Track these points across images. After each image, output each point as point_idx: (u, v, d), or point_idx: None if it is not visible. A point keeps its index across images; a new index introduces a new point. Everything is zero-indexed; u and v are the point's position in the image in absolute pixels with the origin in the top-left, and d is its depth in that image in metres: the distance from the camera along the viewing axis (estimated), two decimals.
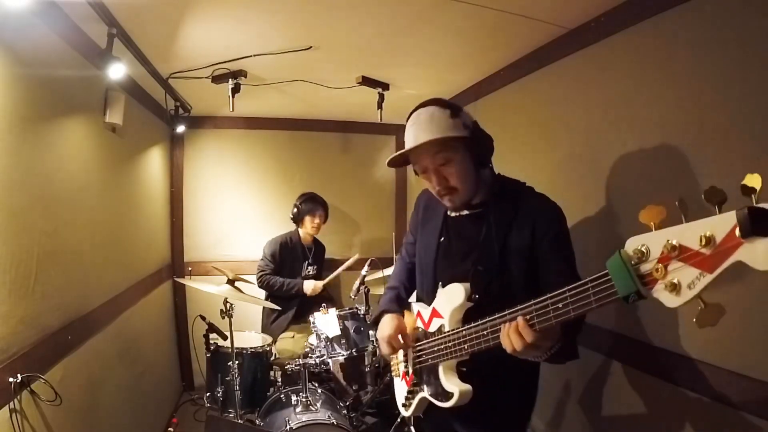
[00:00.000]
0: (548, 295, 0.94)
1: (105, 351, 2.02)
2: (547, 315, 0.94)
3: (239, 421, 2.26)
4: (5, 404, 1.26)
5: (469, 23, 1.84)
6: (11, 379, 1.27)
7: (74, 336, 1.69)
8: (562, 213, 1.28)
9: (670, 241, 0.72)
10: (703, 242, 0.67)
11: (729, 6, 1.30)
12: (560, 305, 0.90)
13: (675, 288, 0.71)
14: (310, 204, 3.17)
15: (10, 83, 1.35)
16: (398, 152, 1.30)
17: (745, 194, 0.64)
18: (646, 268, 0.75)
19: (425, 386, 1.35)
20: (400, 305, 1.52)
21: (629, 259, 0.77)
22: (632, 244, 0.77)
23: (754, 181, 0.64)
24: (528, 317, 0.98)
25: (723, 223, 0.66)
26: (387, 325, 1.44)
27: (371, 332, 2.57)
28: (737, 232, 0.63)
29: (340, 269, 3.14)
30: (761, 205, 0.63)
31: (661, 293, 0.74)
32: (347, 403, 2.43)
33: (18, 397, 1.30)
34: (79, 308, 1.78)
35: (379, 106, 2.69)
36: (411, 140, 1.27)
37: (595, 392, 1.82)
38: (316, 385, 2.40)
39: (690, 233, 0.69)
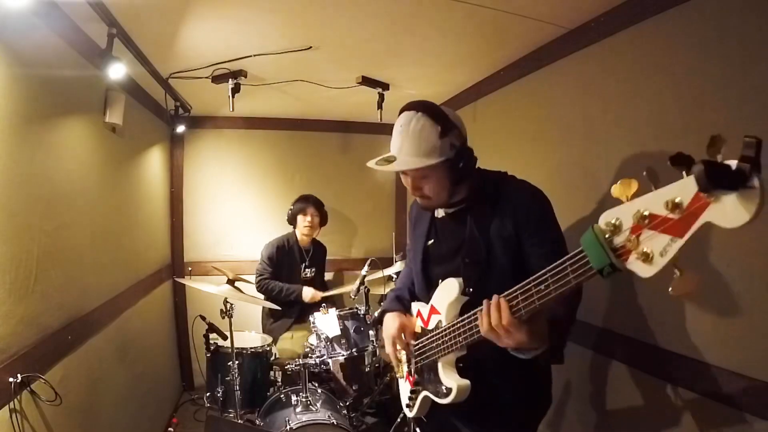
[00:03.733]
0: (530, 279, 0.94)
1: (105, 351, 2.02)
2: (531, 298, 0.94)
3: (239, 421, 2.26)
4: (5, 404, 1.26)
5: (469, 23, 1.84)
6: (11, 379, 1.27)
7: (74, 336, 1.69)
8: (543, 195, 1.28)
9: (640, 211, 0.71)
10: (671, 207, 0.67)
11: (729, 6, 1.30)
12: (542, 287, 0.91)
13: (648, 257, 0.71)
14: (301, 203, 3.15)
15: (10, 83, 1.35)
16: (381, 167, 1.29)
17: (711, 154, 0.63)
18: (619, 240, 0.75)
19: (426, 384, 1.36)
20: (403, 304, 1.53)
21: (602, 232, 0.77)
22: (605, 218, 0.77)
23: (719, 141, 0.63)
24: (513, 303, 0.99)
25: (687, 186, 0.65)
26: (390, 324, 1.45)
27: (371, 332, 2.57)
28: (699, 191, 0.63)
29: (343, 288, 3.13)
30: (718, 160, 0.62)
31: (634, 264, 0.73)
32: (347, 403, 2.43)
33: (18, 397, 1.30)
34: (79, 308, 1.78)
35: (379, 106, 2.70)
36: (396, 148, 1.27)
37: (595, 392, 1.82)
38: (316, 385, 2.40)
39: (658, 200, 0.69)
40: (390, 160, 1.28)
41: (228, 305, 2.28)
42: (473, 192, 1.32)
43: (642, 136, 1.58)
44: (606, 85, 1.75)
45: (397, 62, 2.34)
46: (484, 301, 1.05)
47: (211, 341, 2.44)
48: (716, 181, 0.61)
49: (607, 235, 0.76)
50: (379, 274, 2.83)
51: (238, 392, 2.30)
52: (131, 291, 2.44)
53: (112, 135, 2.19)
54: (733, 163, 0.61)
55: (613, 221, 0.76)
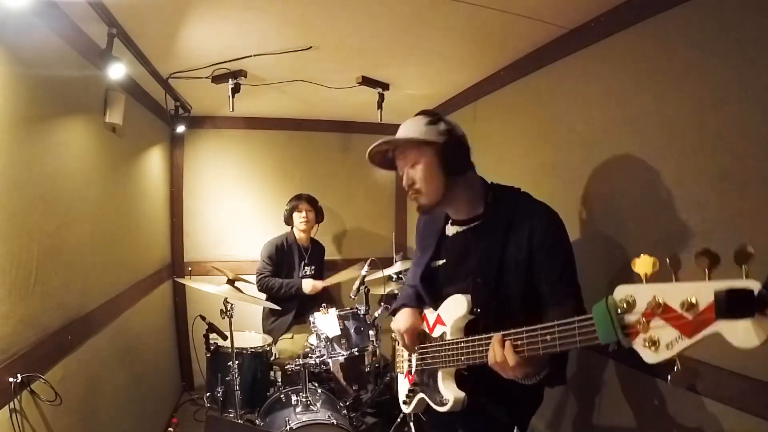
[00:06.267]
0: (540, 325, 0.96)
1: (105, 351, 2.02)
2: (536, 345, 0.96)
3: (239, 421, 2.26)
4: (5, 404, 1.26)
5: (469, 23, 1.84)
6: (11, 379, 1.27)
7: (74, 336, 1.69)
8: (559, 220, 1.28)
9: (656, 298, 0.72)
10: (686, 306, 0.68)
11: (729, 6, 1.30)
12: (548, 337, 0.93)
13: (654, 344, 0.73)
14: (294, 201, 3.18)
15: (10, 83, 1.35)
16: (372, 146, 1.37)
17: (738, 262, 0.64)
18: (630, 319, 0.77)
19: (424, 388, 1.37)
20: (420, 302, 1.53)
21: (615, 307, 0.78)
22: (620, 293, 0.79)
23: (748, 252, 0.64)
24: (518, 343, 1.01)
25: (706, 293, 0.66)
26: (403, 319, 1.46)
27: (371, 332, 2.57)
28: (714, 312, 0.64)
29: (342, 275, 3.11)
30: (741, 285, 0.62)
31: (640, 347, 0.75)
32: (347, 403, 2.43)
33: (18, 397, 1.30)
34: (79, 308, 1.78)
35: (379, 106, 2.69)
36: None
37: (595, 392, 1.82)
38: (316, 385, 2.40)
39: (676, 294, 0.70)
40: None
41: (228, 305, 2.28)
42: (487, 208, 1.32)
43: (642, 136, 1.58)
44: (606, 85, 1.75)
45: (397, 62, 2.34)
46: (493, 337, 1.07)
47: (211, 341, 2.44)
48: (734, 311, 0.61)
49: (619, 311, 0.78)
50: (379, 274, 2.83)
51: (238, 392, 2.30)
52: (131, 291, 2.44)
53: (112, 135, 2.19)
54: (756, 287, 0.61)
55: (627, 298, 0.77)
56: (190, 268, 3.16)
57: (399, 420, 2.62)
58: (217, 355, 2.45)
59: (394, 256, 3.26)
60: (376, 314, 2.69)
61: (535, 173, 2.13)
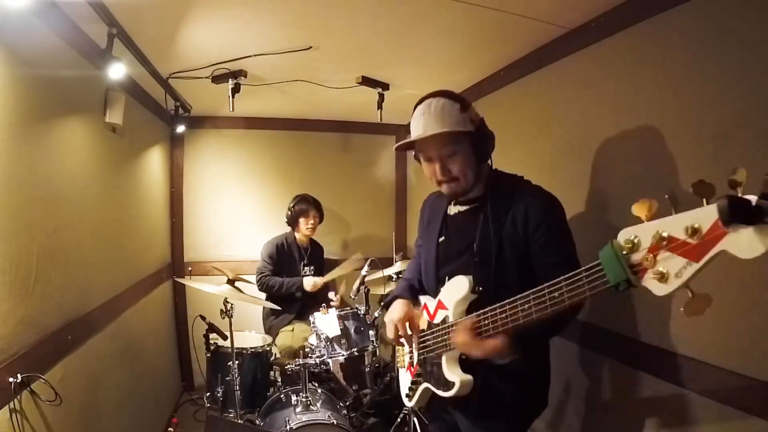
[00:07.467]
0: (545, 284, 0.97)
1: (105, 351, 2.02)
2: (544, 303, 0.97)
3: (239, 421, 2.26)
4: (5, 404, 1.26)
5: (469, 23, 1.84)
6: (11, 379, 1.27)
7: (74, 336, 1.69)
8: (557, 203, 1.30)
9: (659, 232, 0.74)
10: (690, 232, 0.70)
11: (729, 6, 1.30)
12: (556, 294, 0.94)
13: (663, 276, 0.74)
14: (303, 205, 3.13)
15: (10, 83, 1.35)
16: (407, 140, 1.34)
17: (732, 188, 0.67)
18: (636, 257, 0.78)
19: (428, 376, 1.37)
20: (413, 294, 1.53)
21: (620, 249, 0.80)
22: (624, 235, 0.80)
23: (740, 175, 0.67)
24: (525, 306, 1.02)
25: (708, 215, 0.68)
26: (397, 309, 1.46)
27: (371, 332, 2.57)
28: (720, 221, 0.66)
29: (341, 268, 3.11)
30: (738, 196, 0.65)
31: (650, 282, 0.77)
32: (347, 403, 2.43)
33: (18, 397, 1.30)
34: (79, 308, 1.78)
35: (379, 106, 2.69)
36: (420, 129, 1.31)
37: (595, 392, 1.82)
38: (316, 385, 2.40)
39: (678, 224, 0.72)
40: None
41: (228, 305, 2.28)
42: (489, 190, 1.35)
43: (642, 136, 1.58)
44: (606, 85, 1.75)
45: (397, 62, 2.34)
46: (459, 324, 1.11)
47: (211, 341, 2.45)
48: (737, 215, 0.64)
49: (624, 252, 0.79)
50: (379, 274, 2.83)
51: (238, 392, 2.30)
52: (131, 291, 2.44)
53: (112, 135, 2.19)
54: (753, 199, 0.64)
55: (632, 239, 0.79)
56: (190, 268, 3.16)
57: (399, 420, 2.63)
58: (217, 355, 2.45)
59: (394, 256, 3.26)
60: (376, 314, 2.69)
61: (534, 173, 2.12)
